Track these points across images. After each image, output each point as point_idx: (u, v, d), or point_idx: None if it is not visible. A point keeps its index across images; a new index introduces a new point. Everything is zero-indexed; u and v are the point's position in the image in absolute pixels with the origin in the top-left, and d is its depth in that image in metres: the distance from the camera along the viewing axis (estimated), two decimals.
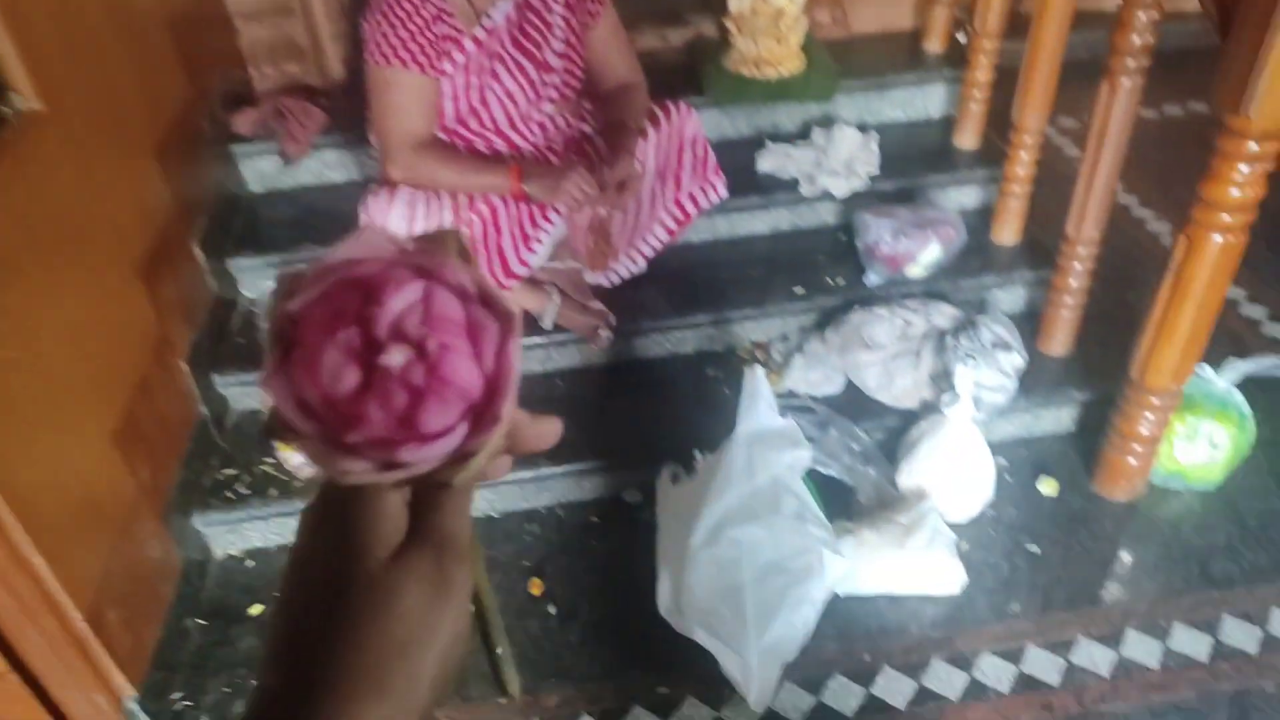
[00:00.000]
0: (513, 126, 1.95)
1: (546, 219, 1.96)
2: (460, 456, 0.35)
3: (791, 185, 2.32)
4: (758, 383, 1.85)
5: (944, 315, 2.07)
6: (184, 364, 1.96)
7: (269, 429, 0.35)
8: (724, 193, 2.19)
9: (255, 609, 1.87)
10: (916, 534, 1.73)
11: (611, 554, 1.93)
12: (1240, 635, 1.70)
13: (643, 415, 2.08)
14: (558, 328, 2.12)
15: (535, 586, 1.86)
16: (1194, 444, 1.85)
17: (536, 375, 2.20)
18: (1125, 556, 1.84)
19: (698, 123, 2.15)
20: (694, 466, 1.93)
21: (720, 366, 2.18)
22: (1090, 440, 2.05)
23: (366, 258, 0.35)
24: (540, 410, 0.41)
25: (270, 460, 1.99)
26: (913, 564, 1.72)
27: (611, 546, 1.94)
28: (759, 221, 2.39)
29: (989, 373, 1.96)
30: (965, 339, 1.98)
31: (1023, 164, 2.12)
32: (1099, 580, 1.81)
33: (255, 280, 2.29)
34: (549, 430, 0.41)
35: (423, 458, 0.34)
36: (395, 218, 1.87)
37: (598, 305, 2.09)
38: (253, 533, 1.99)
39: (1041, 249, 2.23)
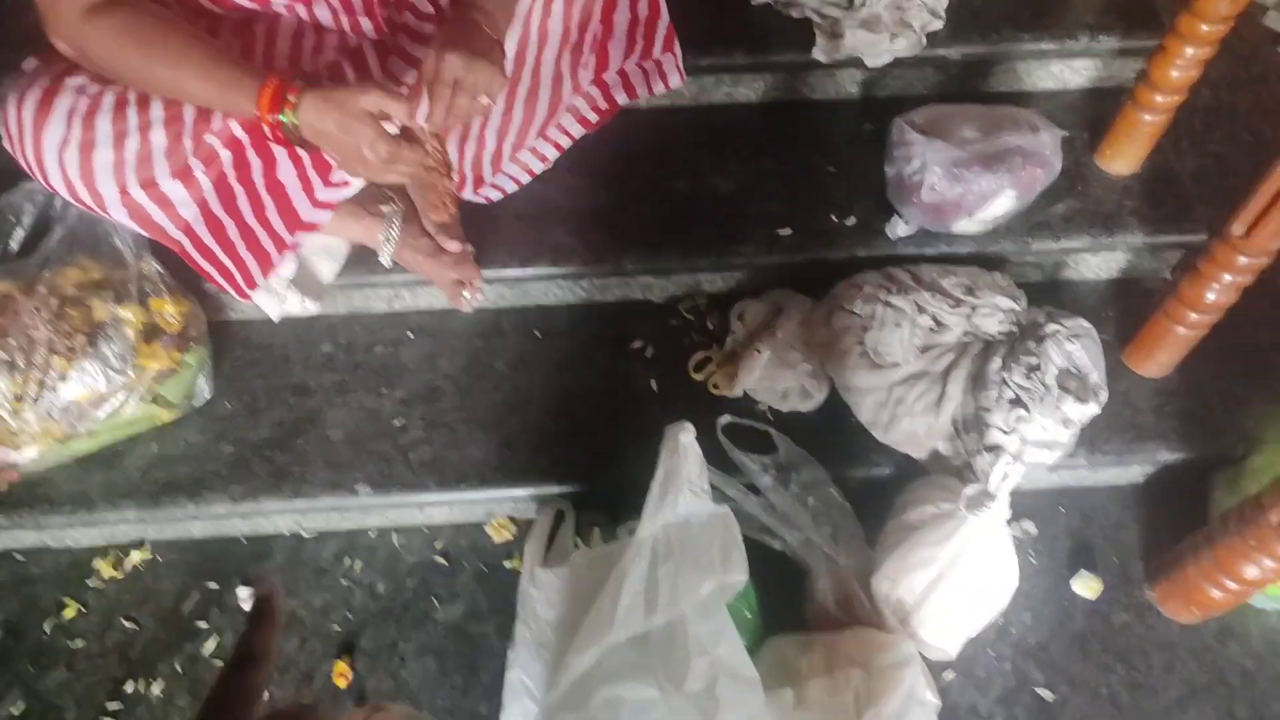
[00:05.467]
0: None
1: None
2: None
3: (802, 33, 1.42)
4: (682, 452, 1.17)
5: (995, 310, 1.33)
6: None
7: None
8: (676, 80, 1.33)
9: None
10: (882, 702, 1.18)
11: (459, 630, 1.37)
12: None
13: (522, 398, 1.41)
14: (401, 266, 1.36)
15: (340, 674, 1.33)
16: None
17: (380, 316, 1.48)
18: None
19: None
20: (577, 536, 1.32)
21: (648, 331, 1.46)
22: (1164, 508, 1.43)
23: None
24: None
25: None
26: None
27: (463, 612, 1.38)
28: (743, 88, 1.51)
29: (1044, 424, 1.28)
30: (1020, 370, 1.27)
31: (1182, 65, 1.25)
32: None
33: None
34: None
35: None
36: (50, 141, 1.04)
37: (458, 246, 1.32)
38: None
39: (1172, 193, 1.42)
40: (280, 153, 1.11)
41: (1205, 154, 1.56)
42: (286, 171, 1.13)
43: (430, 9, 1.13)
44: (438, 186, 1.17)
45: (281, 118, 0.97)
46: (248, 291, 1.22)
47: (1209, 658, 1.34)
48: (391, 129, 0.98)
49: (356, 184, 1.20)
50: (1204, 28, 1.19)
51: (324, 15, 1.11)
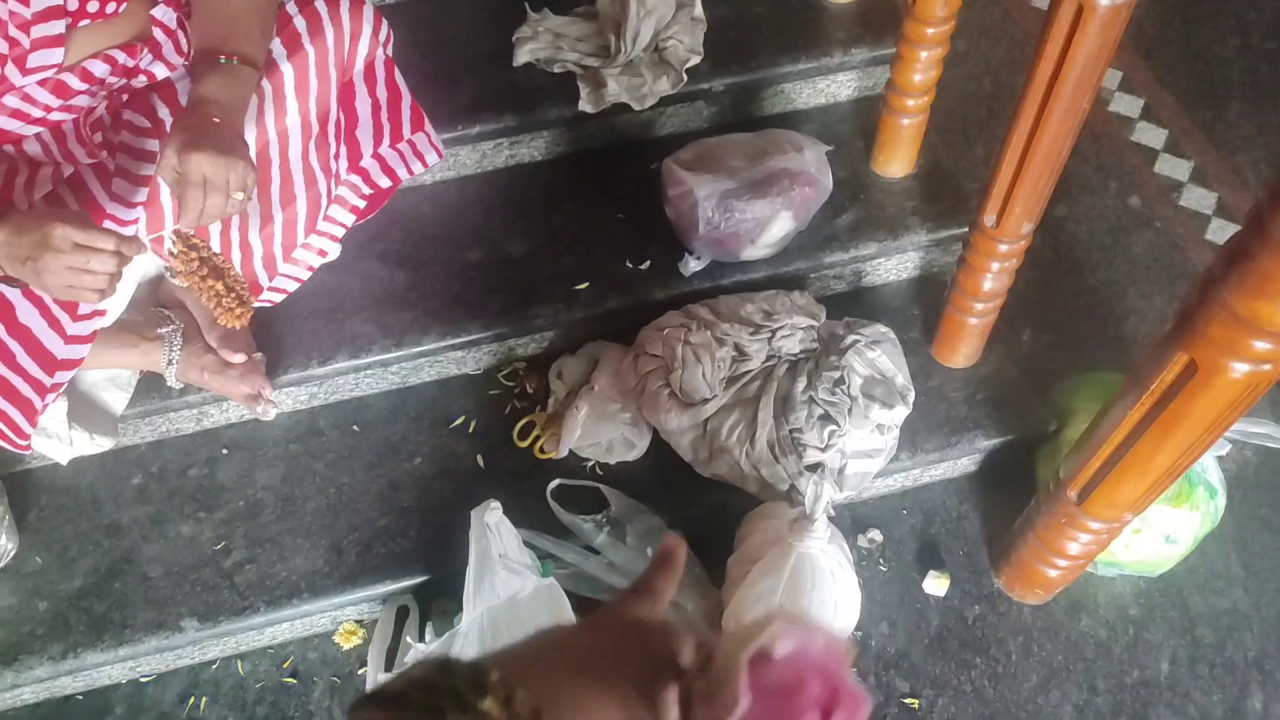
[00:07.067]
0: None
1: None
2: None
3: (568, 87, 1.43)
4: (491, 533, 1.15)
5: (794, 329, 1.34)
6: None
7: None
8: (434, 157, 1.33)
9: None
10: None
11: None
12: None
13: (347, 498, 1.37)
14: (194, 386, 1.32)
15: None
16: (1142, 537, 1.28)
17: (190, 437, 1.43)
18: (1034, 705, 1.30)
19: (380, 32, 1.21)
20: (419, 633, 1.28)
21: (469, 405, 1.44)
22: (1000, 493, 1.44)
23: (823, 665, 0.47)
24: None
25: None
26: None
27: None
28: (524, 149, 1.52)
29: (860, 435, 1.29)
30: (826, 385, 1.28)
31: (920, 68, 1.28)
32: None
33: None
34: None
35: None
36: None
37: (242, 358, 1.28)
38: None
39: (948, 189, 1.46)
40: (14, 295, 1.07)
41: (974, 146, 1.60)
42: (28, 313, 1.08)
43: (148, 124, 1.10)
44: (212, 292, 1.13)
45: None
46: (21, 443, 1.17)
47: (1063, 635, 1.36)
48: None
49: (114, 311, 1.16)
50: (929, 31, 1.22)
51: (33, 149, 1.08)
